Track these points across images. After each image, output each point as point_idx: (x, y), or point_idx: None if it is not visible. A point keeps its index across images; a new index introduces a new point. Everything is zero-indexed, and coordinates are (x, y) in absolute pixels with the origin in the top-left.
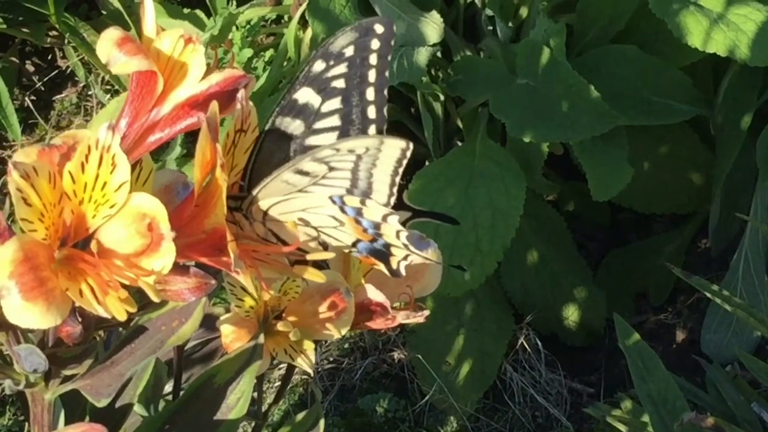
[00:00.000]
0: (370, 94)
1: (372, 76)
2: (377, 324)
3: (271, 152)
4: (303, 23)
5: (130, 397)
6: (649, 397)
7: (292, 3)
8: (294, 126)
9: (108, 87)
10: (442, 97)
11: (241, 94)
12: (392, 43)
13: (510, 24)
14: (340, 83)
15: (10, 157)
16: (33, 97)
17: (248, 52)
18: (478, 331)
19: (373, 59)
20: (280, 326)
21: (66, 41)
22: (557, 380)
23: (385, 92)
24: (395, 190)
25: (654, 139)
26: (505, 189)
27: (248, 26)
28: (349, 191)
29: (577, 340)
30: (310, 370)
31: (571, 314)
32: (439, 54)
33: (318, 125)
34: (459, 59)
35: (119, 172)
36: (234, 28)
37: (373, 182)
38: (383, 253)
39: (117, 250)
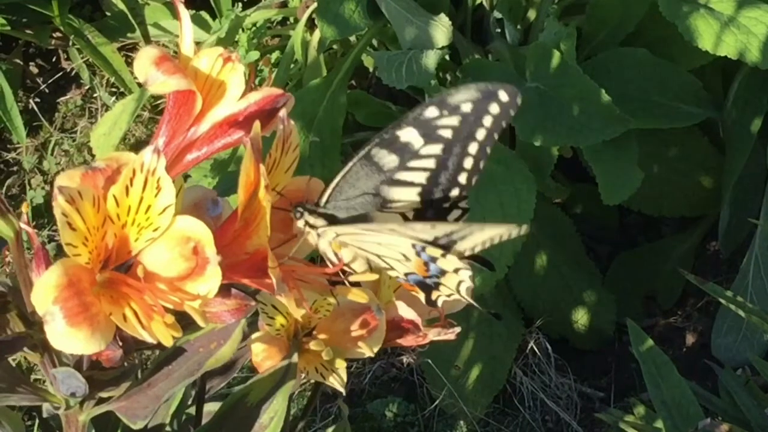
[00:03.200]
0: (472, 148)
1: (481, 134)
2: (408, 341)
3: (357, 177)
4: (310, 25)
5: (162, 416)
6: (663, 403)
7: (298, 5)
8: (388, 159)
9: (113, 89)
10: None
11: (283, 113)
12: (512, 112)
13: (518, 26)
14: (447, 133)
15: (14, 159)
16: (37, 99)
17: (255, 55)
18: (488, 336)
19: (487, 121)
20: (312, 345)
21: (70, 43)
22: (567, 384)
23: (488, 150)
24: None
25: (663, 142)
26: (516, 193)
27: (254, 28)
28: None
29: (587, 343)
30: (342, 390)
31: (581, 318)
32: (447, 57)
33: (412, 164)
34: (468, 62)
35: (164, 196)
36: (240, 30)
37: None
38: (429, 287)
39: (160, 273)
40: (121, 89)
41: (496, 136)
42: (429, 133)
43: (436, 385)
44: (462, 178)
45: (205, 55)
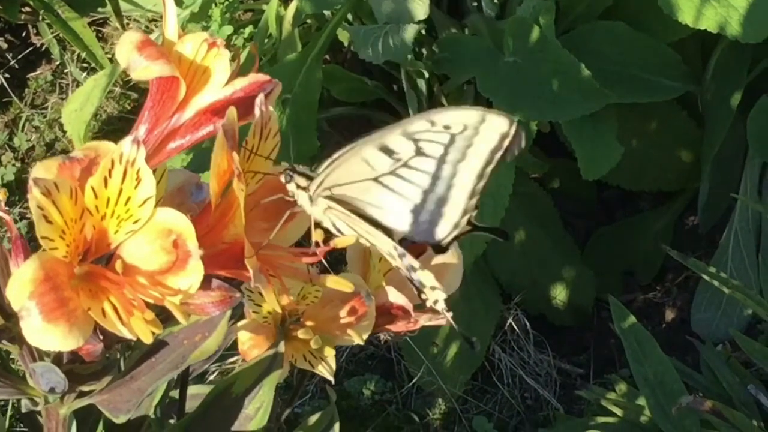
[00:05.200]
0: (463, 177)
1: (473, 164)
2: (399, 327)
3: (360, 149)
4: (284, 0)
5: (145, 408)
6: (645, 380)
7: None
8: (380, 162)
9: (84, 65)
10: (426, 75)
11: (260, 99)
12: (508, 145)
13: (495, 0)
14: (437, 150)
15: None
16: (7, 75)
17: (228, 29)
18: (466, 313)
19: (479, 150)
20: (300, 333)
21: (40, 17)
22: (546, 361)
23: (482, 185)
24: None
25: (642, 116)
26: None
27: (227, 3)
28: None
29: (566, 320)
30: (331, 378)
31: (559, 294)
32: (423, 31)
33: (402, 172)
34: (444, 36)
35: (144, 187)
36: (213, 4)
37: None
38: (417, 286)
39: (140, 267)
40: (92, 65)
41: (490, 167)
42: (418, 146)
43: (414, 362)
44: (453, 212)
45: (190, 40)
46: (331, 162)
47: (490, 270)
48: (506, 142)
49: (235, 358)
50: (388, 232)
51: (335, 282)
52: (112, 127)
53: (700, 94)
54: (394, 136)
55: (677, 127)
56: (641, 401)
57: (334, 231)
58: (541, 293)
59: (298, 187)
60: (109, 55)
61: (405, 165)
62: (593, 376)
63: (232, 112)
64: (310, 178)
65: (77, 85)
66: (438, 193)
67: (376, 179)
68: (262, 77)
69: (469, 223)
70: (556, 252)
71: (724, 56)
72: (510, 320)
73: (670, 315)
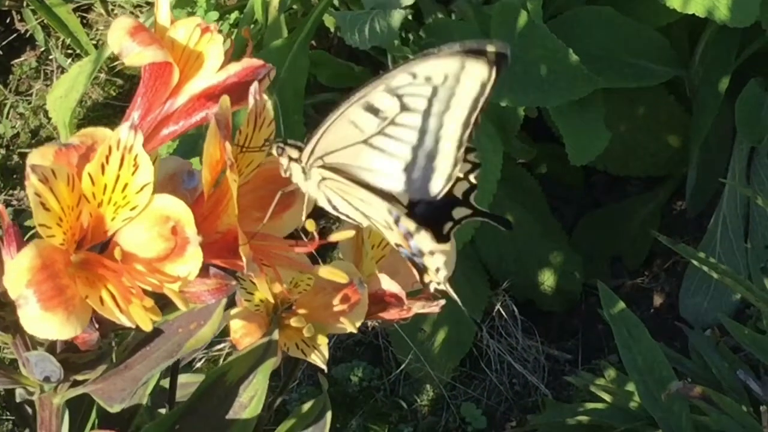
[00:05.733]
0: (449, 127)
1: (458, 111)
2: (392, 315)
3: (346, 112)
4: None
5: (138, 396)
6: (634, 366)
7: None
8: (367, 123)
9: (69, 51)
10: None
11: (254, 87)
12: (487, 88)
13: None
14: (421, 103)
15: None
16: None
17: (214, 15)
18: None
19: (463, 93)
20: (293, 322)
21: (24, 4)
22: (534, 347)
23: (468, 133)
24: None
25: (629, 101)
26: (481, 154)
27: None
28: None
29: (554, 305)
30: (324, 366)
31: (547, 279)
32: (410, 17)
33: (389, 131)
34: (431, 22)
35: (142, 173)
36: None
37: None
38: (419, 267)
39: (138, 254)
40: (77, 51)
41: (474, 114)
42: (403, 102)
43: (402, 349)
44: (444, 165)
45: (182, 25)
46: (321, 129)
47: (477, 255)
48: (488, 89)
49: (221, 346)
50: (382, 194)
51: (329, 272)
52: (98, 113)
53: (688, 78)
54: (377, 94)
55: (665, 112)
56: (630, 387)
57: (329, 208)
58: (529, 279)
59: (291, 159)
60: (94, 41)
61: (392, 123)
62: (582, 362)
63: (225, 100)
64: (301, 150)
65: (62, 72)
66: (427, 148)
67: (365, 141)
68: (256, 62)
69: (471, 207)
70: (544, 237)
71: (713, 41)
72: (498, 306)
73: (658, 300)
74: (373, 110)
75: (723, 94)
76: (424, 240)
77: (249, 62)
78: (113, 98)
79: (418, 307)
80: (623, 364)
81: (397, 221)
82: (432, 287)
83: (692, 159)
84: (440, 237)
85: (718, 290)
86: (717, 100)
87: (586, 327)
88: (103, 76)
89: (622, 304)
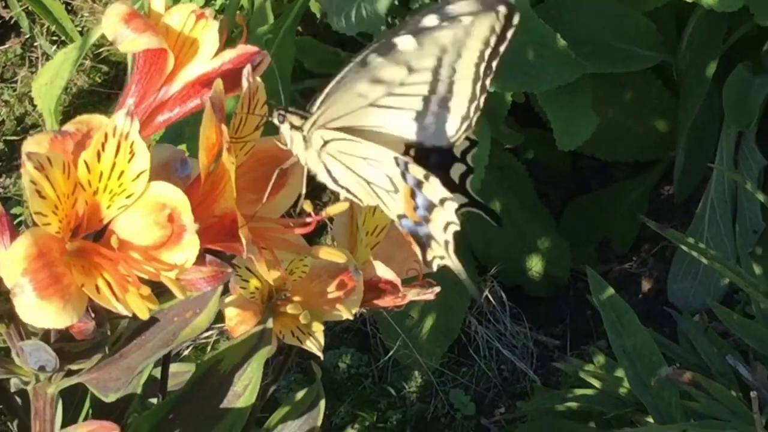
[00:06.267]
0: (464, 71)
1: (473, 54)
2: (387, 302)
3: (352, 85)
4: None
5: (133, 386)
6: (624, 352)
7: None
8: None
9: (54, 38)
10: None
11: (247, 70)
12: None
13: None
14: (431, 62)
15: None
16: None
17: (200, 1)
18: (442, 284)
19: (479, 37)
20: (289, 309)
21: None
22: (523, 333)
23: (486, 82)
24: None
25: (616, 86)
26: None
27: None
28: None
29: (542, 291)
30: (320, 354)
31: (535, 265)
32: (396, 2)
33: (398, 90)
34: (418, 7)
35: (138, 161)
36: None
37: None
38: (423, 242)
39: (134, 242)
40: (62, 38)
41: (494, 62)
42: (424, 45)
43: (390, 335)
44: (459, 105)
45: (177, 11)
46: (324, 98)
47: (465, 241)
48: (498, 29)
49: (208, 333)
50: (390, 144)
51: (328, 253)
52: (83, 100)
53: (675, 63)
54: (387, 70)
55: (652, 96)
56: (620, 373)
57: (329, 182)
58: (517, 264)
59: (292, 127)
60: (79, 28)
61: (400, 84)
62: (570, 348)
63: (218, 84)
64: (303, 118)
65: (47, 59)
66: (440, 94)
67: (371, 104)
68: (251, 48)
69: (466, 195)
70: (532, 223)
71: (700, 25)
72: (486, 292)
73: (646, 285)
74: (380, 82)
75: (710, 79)
76: (434, 188)
77: (244, 49)
78: (98, 85)
79: (413, 295)
80: (612, 350)
81: (404, 172)
82: (435, 264)
83: (680, 144)
84: (454, 158)
85: (706, 275)
86: (704, 84)
87: (574, 312)
88: (88, 62)
89: (611, 290)
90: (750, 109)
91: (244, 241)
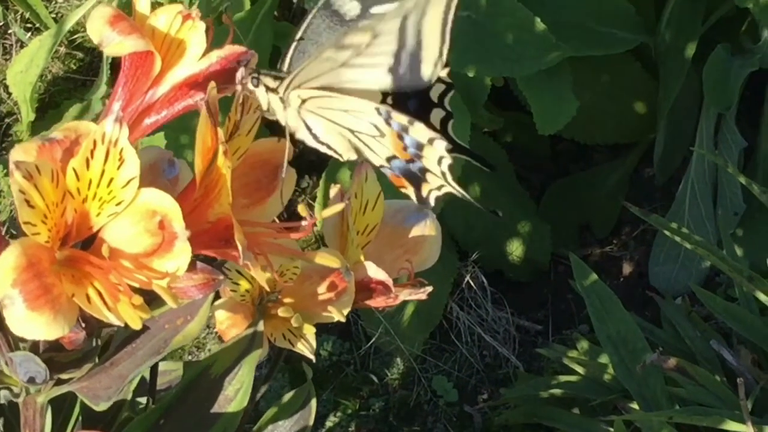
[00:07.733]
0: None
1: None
2: (378, 302)
3: (319, 32)
4: None
5: (124, 393)
6: (608, 338)
7: None
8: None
9: (28, 25)
10: None
11: (240, 73)
12: None
13: None
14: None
15: None
16: None
17: None
18: (422, 271)
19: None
20: (281, 312)
21: None
22: (504, 318)
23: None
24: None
25: (595, 69)
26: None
27: None
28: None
29: (523, 275)
30: (311, 356)
31: (516, 249)
32: None
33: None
34: None
35: (127, 167)
36: None
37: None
38: (417, 177)
39: (124, 250)
40: (37, 24)
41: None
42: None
43: (371, 322)
44: (431, 52)
45: (163, 12)
46: (293, 54)
47: (445, 227)
48: None
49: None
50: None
51: (322, 257)
52: (59, 87)
53: (654, 45)
54: (349, 36)
55: (631, 79)
56: (604, 359)
57: (310, 140)
58: (498, 249)
59: (268, 89)
60: (54, 15)
61: (368, 45)
62: (552, 333)
63: (213, 87)
64: (277, 78)
65: (21, 46)
66: (409, 47)
67: (342, 65)
68: (239, 48)
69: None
70: (512, 207)
71: (678, 6)
72: (467, 278)
73: (627, 269)
74: (345, 47)
75: (690, 61)
76: (420, 130)
77: (232, 49)
78: (74, 72)
79: (405, 295)
80: (595, 335)
81: (388, 119)
82: (433, 197)
83: (659, 126)
84: (431, 103)
85: (687, 258)
86: (684, 66)
87: (555, 297)
88: (63, 49)
89: (594, 276)
90: (730, 90)
91: (240, 248)
